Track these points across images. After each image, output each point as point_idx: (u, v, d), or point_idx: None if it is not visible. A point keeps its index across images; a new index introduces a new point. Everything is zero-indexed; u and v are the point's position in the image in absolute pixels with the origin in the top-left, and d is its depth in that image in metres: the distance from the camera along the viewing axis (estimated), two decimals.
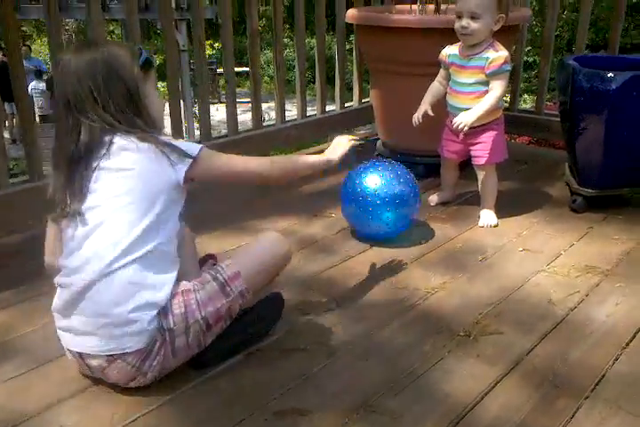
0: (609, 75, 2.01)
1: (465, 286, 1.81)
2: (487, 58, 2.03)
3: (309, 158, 1.62)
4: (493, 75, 2.03)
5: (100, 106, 1.28)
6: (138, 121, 1.32)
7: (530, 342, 1.52)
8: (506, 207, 2.31)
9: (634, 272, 1.87)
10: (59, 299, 1.32)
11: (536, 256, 1.98)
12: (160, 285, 1.29)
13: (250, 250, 1.52)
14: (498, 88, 2.04)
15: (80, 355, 1.31)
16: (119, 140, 1.29)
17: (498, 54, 2.02)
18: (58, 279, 1.32)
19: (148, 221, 1.28)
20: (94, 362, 1.29)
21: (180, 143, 1.35)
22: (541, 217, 2.29)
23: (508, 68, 2.05)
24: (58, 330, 1.34)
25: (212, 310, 1.33)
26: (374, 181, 1.98)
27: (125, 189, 1.29)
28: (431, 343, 1.52)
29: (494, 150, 2.16)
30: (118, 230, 1.27)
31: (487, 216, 2.23)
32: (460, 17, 2.02)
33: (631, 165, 2.20)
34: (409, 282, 1.83)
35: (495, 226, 2.21)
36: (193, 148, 1.35)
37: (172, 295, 1.30)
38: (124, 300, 1.25)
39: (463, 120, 2.02)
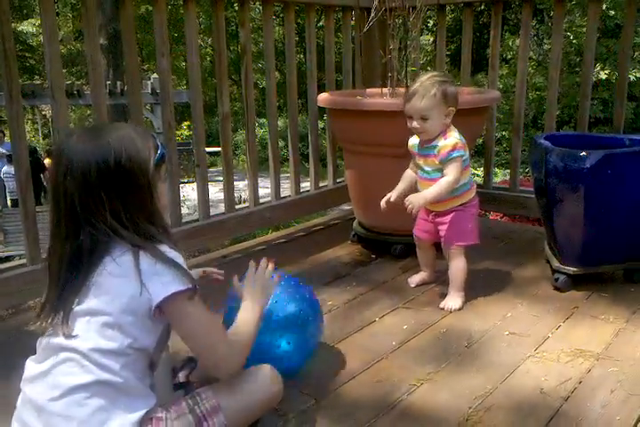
0: (581, 154, 2.00)
1: (452, 377, 1.70)
2: (436, 146, 2.07)
3: (256, 316, 1.37)
4: (443, 162, 2.06)
5: (108, 212, 1.13)
6: (150, 228, 1.17)
7: None
8: (487, 287, 2.24)
9: (625, 355, 1.78)
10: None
11: (523, 340, 1.89)
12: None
13: (236, 382, 1.29)
14: (450, 173, 2.05)
15: None
16: (110, 260, 1.14)
17: (445, 142, 2.05)
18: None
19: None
20: None
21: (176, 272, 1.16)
22: (525, 297, 2.22)
23: (457, 153, 2.05)
24: None
25: None
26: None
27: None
28: None
29: (459, 232, 2.14)
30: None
31: (450, 299, 2.16)
32: (410, 118, 2.08)
33: (611, 243, 2.17)
34: (392, 373, 1.72)
35: (458, 310, 2.12)
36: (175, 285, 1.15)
37: (140, 422, 1.13)
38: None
39: (413, 201, 2.01)
